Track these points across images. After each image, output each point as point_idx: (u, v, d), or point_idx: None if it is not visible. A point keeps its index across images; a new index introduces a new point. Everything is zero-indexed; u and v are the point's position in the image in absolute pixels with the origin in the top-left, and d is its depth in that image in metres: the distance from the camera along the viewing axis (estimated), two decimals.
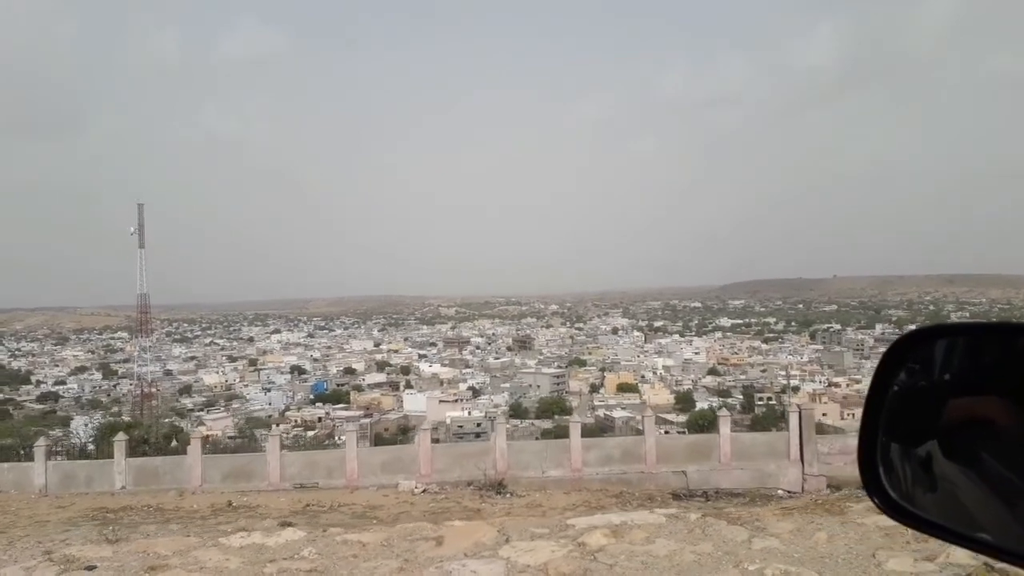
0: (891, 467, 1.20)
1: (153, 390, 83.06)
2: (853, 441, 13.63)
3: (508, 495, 18.98)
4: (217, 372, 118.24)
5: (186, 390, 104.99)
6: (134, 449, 21.19)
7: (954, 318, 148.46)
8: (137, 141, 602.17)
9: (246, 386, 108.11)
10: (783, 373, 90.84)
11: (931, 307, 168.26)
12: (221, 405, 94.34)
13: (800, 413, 22.13)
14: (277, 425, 78.47)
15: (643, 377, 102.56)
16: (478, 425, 69.50)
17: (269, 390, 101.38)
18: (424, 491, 19.71)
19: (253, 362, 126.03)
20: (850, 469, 20.79)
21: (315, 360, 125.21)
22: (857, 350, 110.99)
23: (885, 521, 10.07)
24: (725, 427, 22.15)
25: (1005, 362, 1.12)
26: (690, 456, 21.74)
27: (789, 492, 20.46)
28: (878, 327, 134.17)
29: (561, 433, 31.17)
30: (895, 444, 1.21)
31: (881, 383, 1.24)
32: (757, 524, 10.28)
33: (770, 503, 17.62)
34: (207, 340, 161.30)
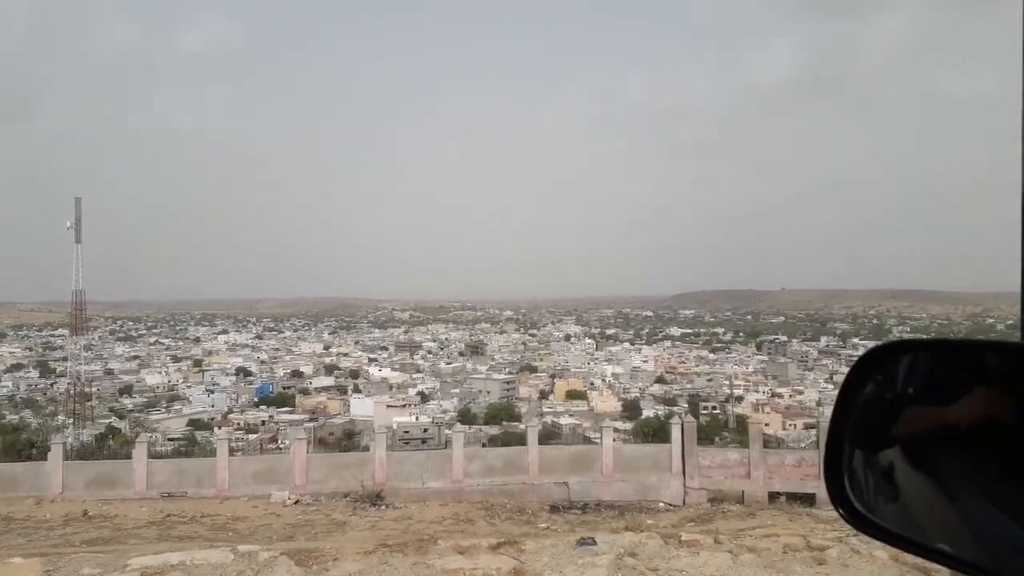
0: (855, 478, 1.21)
1: (89, 390, 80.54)
2: (734, 455, 13.88)
3: (383, 507, 18.75)
4: (160, 372, 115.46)
5: (127, 390, 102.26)
6: (19, 453, 20.39)
7: (896, 332, 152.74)
8: (90, 133, 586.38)
9: (189, 387, 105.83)
10: (728, 383, 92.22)
11: (874, 321, 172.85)
12: (163, 406, 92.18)
13: (683, 426, 22.26)
14: (219, 427, 77.52)
15: (592, 384, 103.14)
16: (425, 431, 69.03)
17: (212, 392, 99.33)
18: (296, 502, 19.34)
19: (198, 363, 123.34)
20: (729, 483, 21.22)
21: (262, 362, 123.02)
22: (801, 362, 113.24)
23: (453, 563, 9.88)
24: (608, 438, 22.17)
25: (968, 378, 1.13)
26: (573, 467, 21.63)
27: (670, 505, 20.59)
28: (823, 339, 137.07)
29: (508, 440, 30.86)
30: (860, 456, 1.22)
31: (847, 395, 1.24)
32: (332, 563, 10.03)
33: (644, 515, 17.75)
34: (152, 339, 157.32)
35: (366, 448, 42.36)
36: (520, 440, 34.02)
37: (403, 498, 19.61)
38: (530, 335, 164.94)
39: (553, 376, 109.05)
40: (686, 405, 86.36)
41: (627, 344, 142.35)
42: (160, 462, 21.19)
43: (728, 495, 20.38)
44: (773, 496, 20.59)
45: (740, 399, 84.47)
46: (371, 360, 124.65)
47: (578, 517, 17.96)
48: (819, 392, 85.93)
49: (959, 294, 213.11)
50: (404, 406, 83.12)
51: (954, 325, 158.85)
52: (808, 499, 20.82)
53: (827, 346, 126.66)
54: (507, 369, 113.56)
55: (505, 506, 19.03)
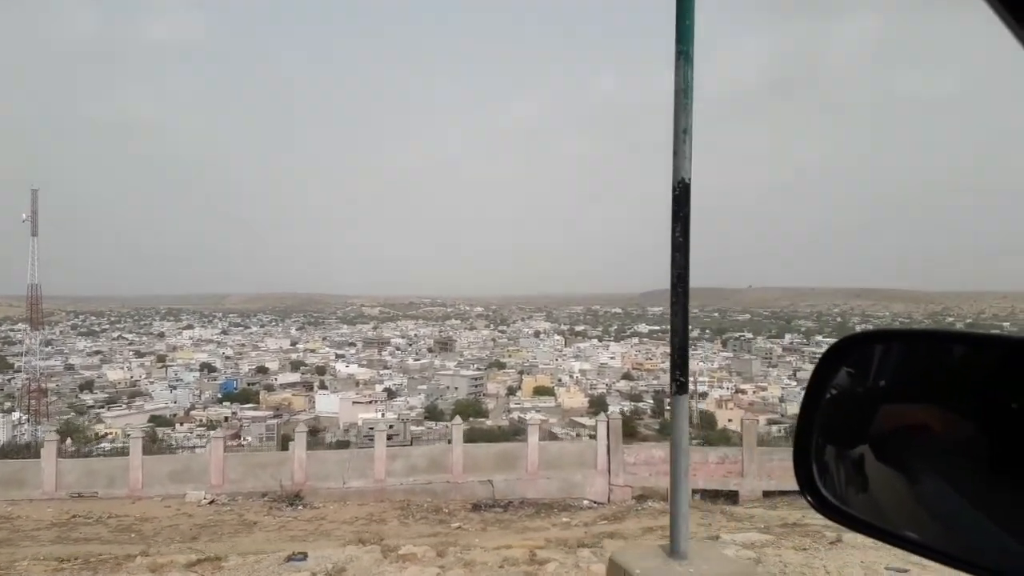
0: (825, 468, 1.22)
1: (45, 386, 79.00)
2: (659, 452, 13.71)
3: (300, 507, 18.55)
4: (122, 367, 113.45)
5: (87, 386, 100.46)
6: None
7: (858, 330, 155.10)
8: (53, 124, 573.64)
9: (152, 383, 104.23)
10: (692, 379, 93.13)
11: (838, 319, 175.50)
12: (123, 402, 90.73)
13: (608, 423, 22.21)
14: (181, 424, 76.48)
15: (560, 380, 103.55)
16: (390, 427, 68.74)
17: (175, 387, 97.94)
18: (212, 502, 19.05)
19: (161, 358, 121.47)
20: (655, 480, 21.01)
21: (227, 358, 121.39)
22: (766, 358, 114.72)
23: None
24: (533, 436, 22.01)
25: (938, 369, 1.15)
26: (498, 465, 21.50)
27: (595, 502, 20.50)
28: (787, 337, 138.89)
29: (474, 436, 30.71)
30: (830, 446, 1.23)
31: (818, 385, 1.25)
32: None
33: (563, 513, 17.64)
34: (115, 334, 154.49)
35: (334, 445, 42.01)
36: (486, 436, 33.86)
37: (323, 498, 19.37)
38: (500, 331, 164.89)
39: (521, 372, 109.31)
40: (651, 401, 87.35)
41: (595, 341, 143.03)
42: (70, 461, 20.68)
43: (655, 492, 20.42)
44: (696, 493, 20.70)
45: (705, 395, 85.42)
46: (338, 356, 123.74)
47: (495, 516, 17.85)
48: (782, 388, 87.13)
49: (921, 292, 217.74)
50: (370, 402, 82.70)
51: (915, 323, 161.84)
52: (731, 496, 20.88)
53: (791, 343, 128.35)
54: (475, 365, 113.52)
55: (421, 506, 18.80)
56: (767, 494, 20.90)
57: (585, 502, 20.49)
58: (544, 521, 16.29)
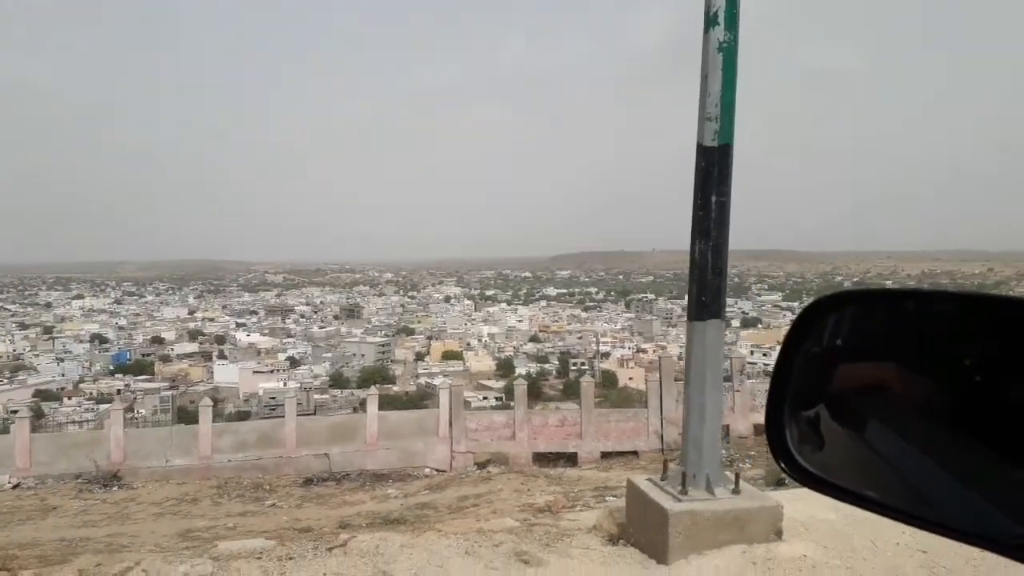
0: (795, 432, 1.24)
1: None
2: (500, 417, 13.78)
3: (116, 488, 17.84)
4: (4, 340, 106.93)
5: None
6: None
7: (755, 290, 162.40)
8: None
9: (37, 356, 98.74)
10: (595, 339, 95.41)
11: (736, 279, 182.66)
12: (5, 377, 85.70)
13: (450, 390, 22.38)
14: (69, 398, 72.83)
15: (468, 345, 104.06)
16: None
17: (63, 360, 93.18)
18: (17, 486, 18.26)
19: (48, 330, 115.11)
20: (496, 445, 21.46)
21: (120, 328, 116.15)
22: (666, 318, 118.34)
23: None
24: (372, 406, 21.95)
25: (900, 328, 1.16)
26: (334, 438, 21.32)
27: (437, 470, 20.68)
28: (687, 298, 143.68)
29: (381, 403, 30.23)
30: (799, 410, 1.25)
31: (789, 350, 1.25)
32: None
33: (392, 484, 17.73)
34: None
35: (234, 416, 40.62)
36: (394, 403, 33.39)
37: (143, 478, 18.66)
38: (410, 297, 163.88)
39: (430, 338, 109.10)
40: (557, 362, 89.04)
41: (504, 305, 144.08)
42: None
43: (499, 457, 20.65)
44: (539, 456, 21.08)
45: (607, 355, 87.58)
46: (239, 325, 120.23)
47: (321, 491, 17.53)
48: (681, 347, 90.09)
49: (814, 253, 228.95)
50: (272, 372, 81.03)
51: (808, 283, 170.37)
52: (572, 458, 21.23)
53: None
54: (383, 332, 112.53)
55: (241, 483, 18.42)
56: (605, 455, 21.35)
57: (426, 470, 20.55)
58: (365, 494, 16.24)
